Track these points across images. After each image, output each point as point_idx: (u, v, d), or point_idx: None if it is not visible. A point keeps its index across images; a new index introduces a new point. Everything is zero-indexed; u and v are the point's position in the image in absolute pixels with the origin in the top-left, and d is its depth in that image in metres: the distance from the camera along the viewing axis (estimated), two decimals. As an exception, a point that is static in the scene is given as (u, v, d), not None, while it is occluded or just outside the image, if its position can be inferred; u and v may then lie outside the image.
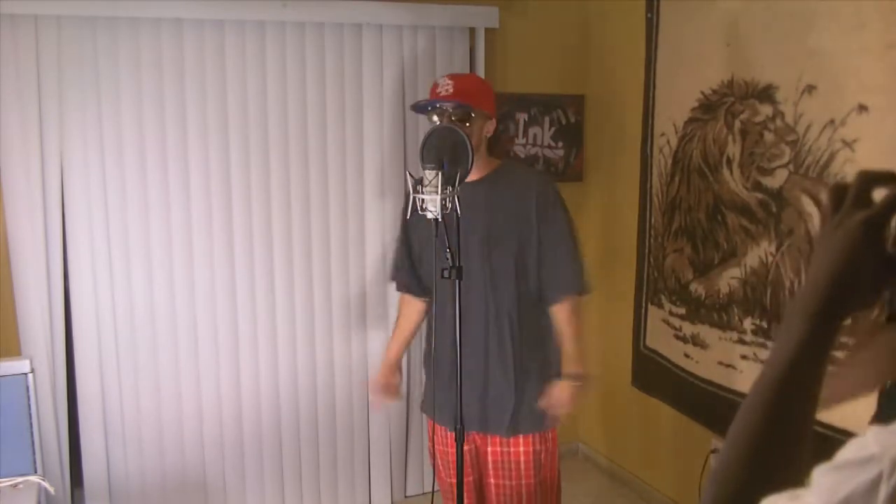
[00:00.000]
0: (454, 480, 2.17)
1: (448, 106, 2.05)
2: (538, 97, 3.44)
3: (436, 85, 2.09)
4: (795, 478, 0.64)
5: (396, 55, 3.13)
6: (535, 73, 3.43)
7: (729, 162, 2.67)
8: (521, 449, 2.16)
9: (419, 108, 2.16)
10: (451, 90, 2.04)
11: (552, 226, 2.13)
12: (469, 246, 2.08)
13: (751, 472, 0.67)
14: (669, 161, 3.01)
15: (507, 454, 2.17)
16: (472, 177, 2.10)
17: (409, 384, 3.34)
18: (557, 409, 2.14)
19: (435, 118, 2.06)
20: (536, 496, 2.19)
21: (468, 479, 2.21)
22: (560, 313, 2.16)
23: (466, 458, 2.20)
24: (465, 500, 2.22)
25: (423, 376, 2.45)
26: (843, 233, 0.67)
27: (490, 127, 2.13)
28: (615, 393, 3.49)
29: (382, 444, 3.33)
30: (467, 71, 3.24)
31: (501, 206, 2.11)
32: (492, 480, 2.19)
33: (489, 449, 2.18)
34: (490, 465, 2.19)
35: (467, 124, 2.04)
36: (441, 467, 2.29)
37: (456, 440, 2.03)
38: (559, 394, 2.12)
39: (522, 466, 2.16)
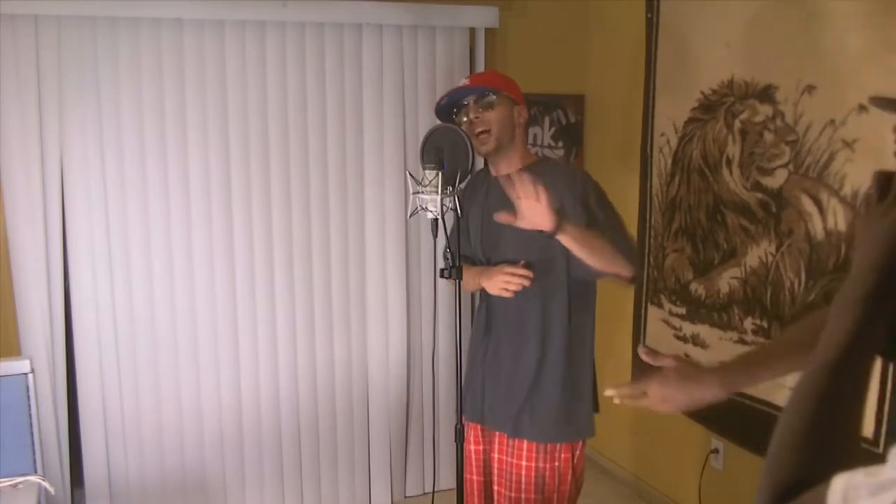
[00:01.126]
0: (473, 477, 2.15)
1: (469, 98, 2.00)
2: (538, 97, 3.44)
3: (456, 84, 2.07)
4: (850, 462, 0.64)
5: (396, 55, 3.13)
6: (535, 73, 3.43)
7: (729, 162, 2.67)
8: (524, 462, 2.04)
9: (442, 112, 2.07)
10: (468, 82, 2.02)
11: (598, 214, 1.96)
12: (504, 239, 2.02)
13: (806, 457, 0.67)
14: (669, 161, 3.01)
15: (511, 464, 2.07)
16: (509, 169, 2.04)
17: (409, 384, 3.34)
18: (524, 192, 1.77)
19: (464, 118, 2.01)
20: None
21: (480, 479, 2.18)
22: None
23: (479, 458, 2.17)
24: (476, 501, 2.19)
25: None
26: (891, 221, 0.68)
27: (522, 112, 2.04)
28: (615, 393, 3.49)
29: (382, 444, 3.33)
30: (467, 71, 3.24)
31: (553, 197, 2.02)
32: (495, 487, 2.14)
33: (495, 455, 2.13)
34: (495, 471, 2.14)
35: (490, 109, 1.98)
36: (465, 463, 2.21)
37: (456, 440, 2.02)
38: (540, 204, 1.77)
39: (524, 480, 2.05)
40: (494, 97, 2.00)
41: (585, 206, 1.95)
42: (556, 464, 2.05)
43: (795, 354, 1.25)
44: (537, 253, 1.99)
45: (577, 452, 2.09)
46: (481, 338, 2.14)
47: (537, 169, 2.02)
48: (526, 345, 2.05)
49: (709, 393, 1.24)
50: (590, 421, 2.11)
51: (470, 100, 2.01)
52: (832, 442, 0.67)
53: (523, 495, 2.06)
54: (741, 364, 1.32)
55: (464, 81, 2.04)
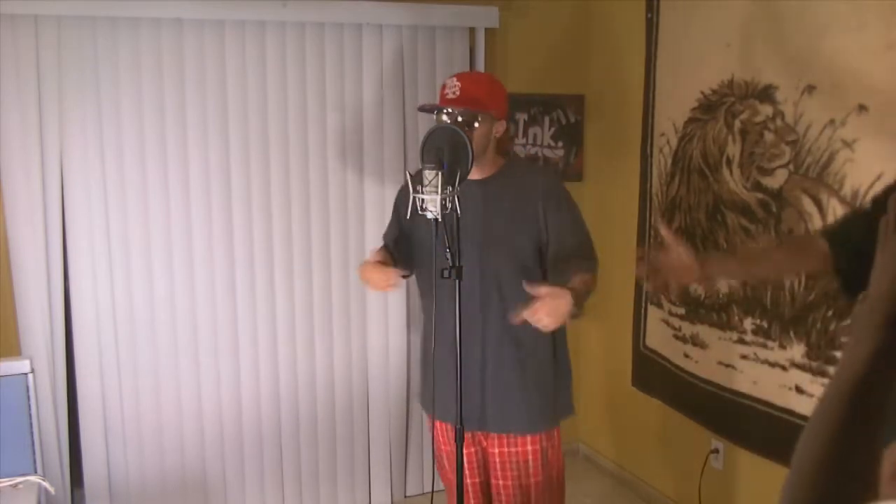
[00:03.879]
0: (474, 479, 2.17)
1: (455, 110, 2.03)
2: (538, 97, 3.44)
3: (444, 86, 2.06)
4: (871, 489, 0.63)
5: (396, 55, 3.13)
6: (535, 73, 3.43)
7: (729, 162, 2.67)
8: (529, 448, 2.13)
9: (426, 110, 2.14)
10: (458, 93, 2.02)
11: (563, 217, 2.09)
12: (472, 244, 2.05)
13: (826, 480, 0.66)
14: (669, 161, 3.01)
15: (515, 454, 2.13)
16: (477, 175, 2.08)
17: (409, 384, 3.34)
18: (538, 308, 1.83)
19: (444, 117, 2.04)
20: (545, 494, 2.16)
21: (475, 480, 2.19)
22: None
23: (472, 459, 2.18)
24: (473, 503, 2.20)
25: (421, 375, 2.43)
26: None
27: (500, 128, 2.10)
28: (615, 393, 3.49)
29: (382, 444, 3.33)
30: (467, 72, 3.23)
31: (506, 205, 2.08)
32: (500, 482, 2.15)
33: (495, 450, 2.14)
34: (498, 466, 2.15)
35: (475, 125, 2.02)
36: (446, 465, 2.26)
37: (456, 440, 2.02)
38: (547, 291, 1.85)
39: (531, 465, 2.13)
40: (479, 118, 2.03)
41: (549, 208, 2.08)
42: (554, 441, 2.20)
43: (773, 263, 1.58)
44: (513, 260, 2.09)
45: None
46: (450, 348, 2.01)
47: (502, 175, 2.13)
48: (508, 350, 2.11)
49: (689, 278, 1.55)
50: (570, 398, 2.28)
51: (455, 110, 2.03)
52: (853, 464, 0.66)
53: (532, 479, 2.14)
54: (721, 258, 1.66)
55: (454, 87, 2.04)
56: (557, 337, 2.17)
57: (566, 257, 2.07)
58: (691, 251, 1.64)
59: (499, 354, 2.12)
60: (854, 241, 1.40)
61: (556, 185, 2.16)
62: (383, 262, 2.12)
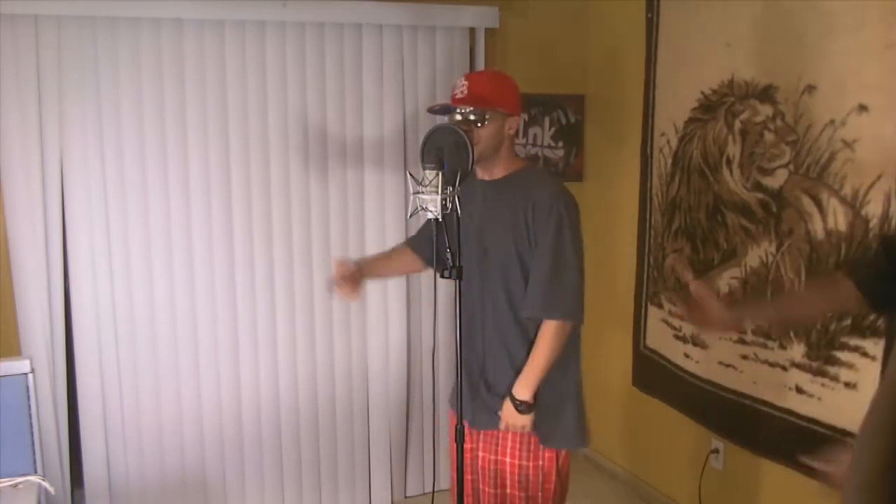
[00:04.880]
0: (466, 476, 2.15)
1: (463, 109, 2.03)
2: (538, 97, 3.44)
3: (454, 87, 2.06)
4: None
5: (396, 55, 3.13)
6: (535, 73, 3.43)
7: (729, 162, 2.67)
8: (508, 459, 2.10)
9: (436, 111, 2.12)
10: (466, 92, 2.02)
11: (543, 239, 1.99)
12: (483, 242, 2.06)
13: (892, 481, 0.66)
14: (669, 161, 3.01)
15: (495, 461, 2.12)
16: (495, 175, 2.09)
17: (409, 384, 3.34)
18: (506, 422, 2.05)
19: (458, 116, 2.03)
20: None
21: (468, 478, 2.19)
22: (539, 333, 2.03)
23: (468, 457, 2.18)
24: (472, 502, 2.20)
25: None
26: None
27: (512, 123, 2.07)
28: (615, 393, 3.50)
29: (382, 444, 3.33)
30: (467, 71, 3.23)
31: (509, 209, 2.05)
32: (481, 486, 2.17)
33: (480, 454, 2.15)
34: (479, 470, 2.16)
35: (480, 125, 2.00)
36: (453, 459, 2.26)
37: (456, 440, 2.03)
38: (504, 411, 2.05)
39: (508, 477, 2.11)
40: (486, 116, 2.01)
41: (536, 224, 1.99)
42: (540, 462, 2.09)
43: (805, 305, 1.67)
44: (518, 264, 2.05)
45: (562, 454, 2.13)
46: (460, 339, 2.05)
47: (515, 178, 2.08)
48: (503, 349, 2.09)
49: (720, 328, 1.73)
50: (577, 430, 2.12)
51: (464, 109, 2.02)
52: None
53: (508, 491, 2.10)
54: (753, 305, 1.70)
55: (462, 87, 2.04)
56: (568, 355, 2.08)
57: (528, 301, 2.02)
58: (722, 304, 1.77)
59: (494, 355, 2.11)
60: (878, 268, 1.44)
61: (556, 200, 2.00)
62: (356, 272, 2.26)
